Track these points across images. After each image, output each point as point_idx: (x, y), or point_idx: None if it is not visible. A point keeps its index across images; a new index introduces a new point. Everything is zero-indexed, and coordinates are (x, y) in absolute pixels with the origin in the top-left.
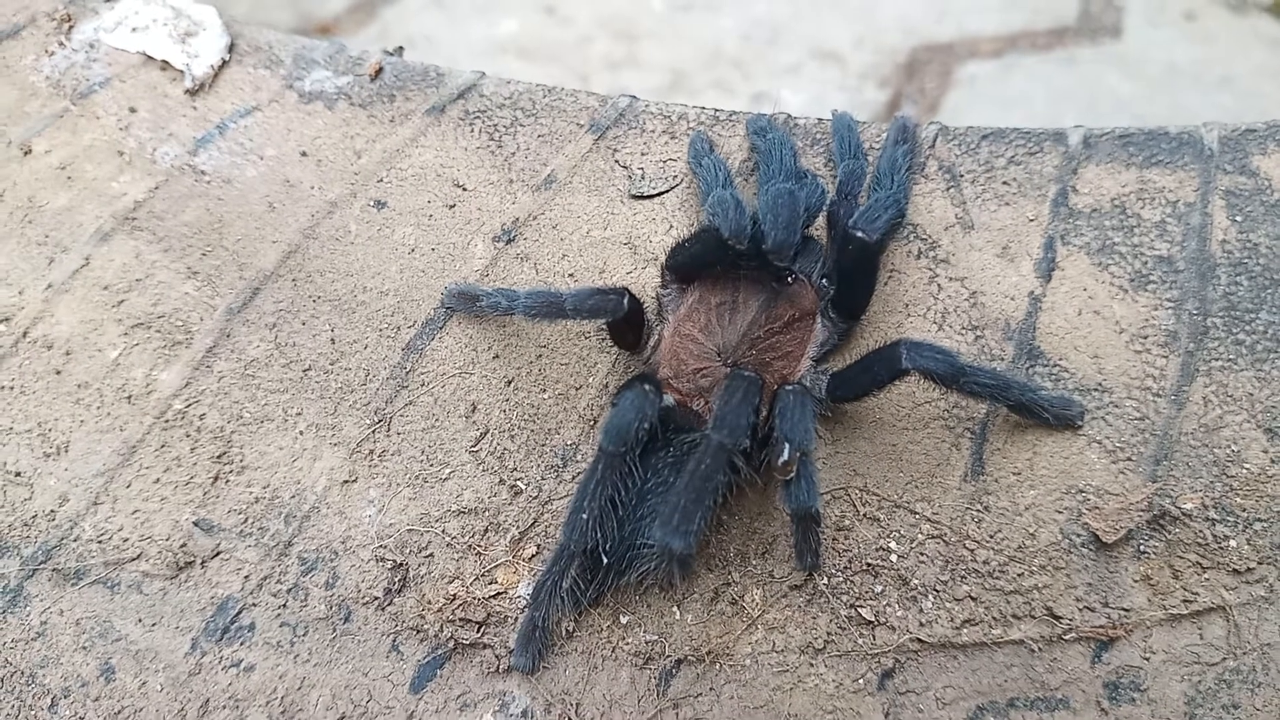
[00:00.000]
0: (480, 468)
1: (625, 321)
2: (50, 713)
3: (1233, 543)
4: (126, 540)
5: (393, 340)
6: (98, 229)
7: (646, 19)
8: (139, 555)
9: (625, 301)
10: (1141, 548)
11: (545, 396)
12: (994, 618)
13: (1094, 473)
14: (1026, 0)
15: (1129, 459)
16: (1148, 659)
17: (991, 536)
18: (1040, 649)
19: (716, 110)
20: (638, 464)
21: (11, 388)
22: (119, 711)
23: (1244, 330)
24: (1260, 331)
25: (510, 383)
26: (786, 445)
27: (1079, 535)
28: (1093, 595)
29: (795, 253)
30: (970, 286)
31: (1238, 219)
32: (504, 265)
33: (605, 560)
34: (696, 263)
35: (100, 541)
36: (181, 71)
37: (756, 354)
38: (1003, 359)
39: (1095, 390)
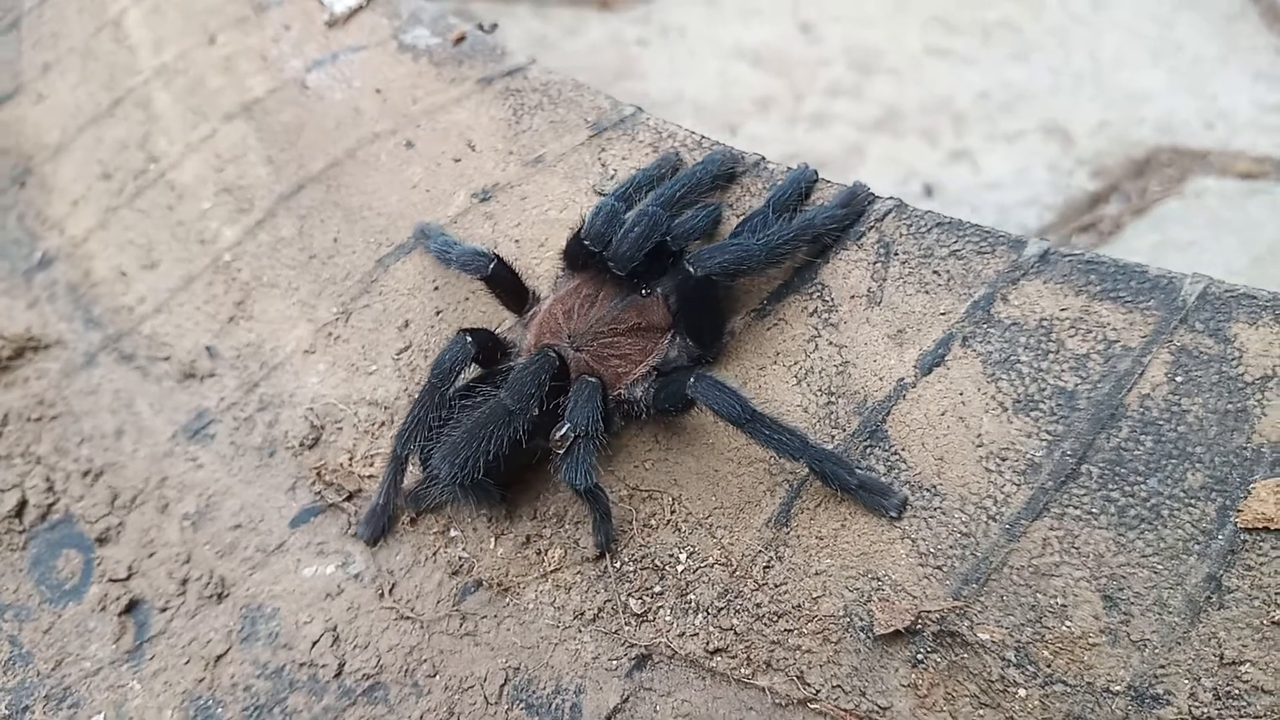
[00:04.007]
0: (396, 373)
1: (495, 284)
2: (78, 447)
3: (1022, 692)
4: (165, 345)
5: (373, 253)
6: (227, 111)
7: (895, 56)
8: (168, 358)
9: (491, 266)
10: (920, 656)
11: None
12: (748, 658)
13: (897, 566)
14: None
15: (938, 568)
16: None
17: (774, 585)
18: (784, 705)
19: (703, 136)
20: (450, 399)
21: (143, 211)
22: (114, 462)
23: (1121, 490)
24: (1140, 498)
25: (439, 313)
26: (567, 425)
27: (862, 619)
28: (853, 679)
29: (663, 270)
30: (846, 356)
31: (1178, 379)
32: (471, 217)
33: (421, 470)
34: (570, 255)
35: (150, 339)
36: (327, 8)
37: (598, 346)
38: (844, 430)
39: (927, 490)
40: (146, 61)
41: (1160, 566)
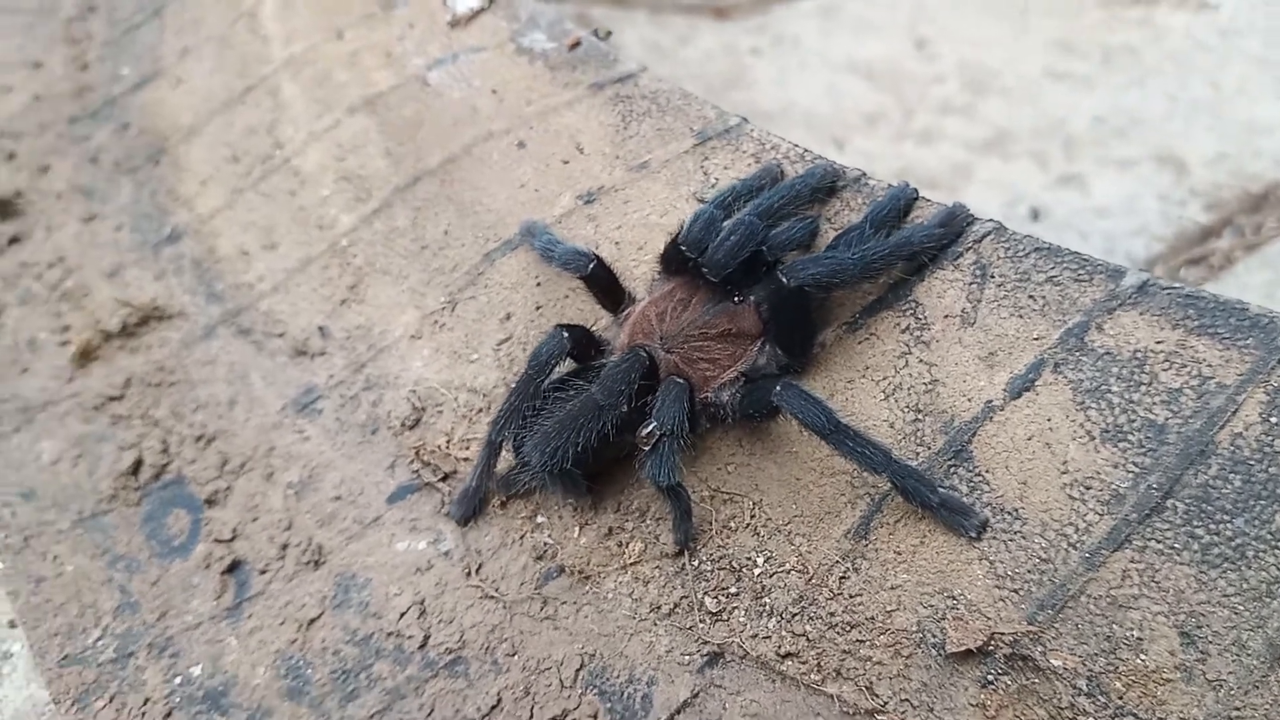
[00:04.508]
0: (496, 363)
1: (594, 283)
2: (193, 413)
3: None
4: (280, 322)
5: (481, 247)
6: (351, 104)
7: (1010, 76)
8: (282, 334)
9: (590, 266)
10: (990, 677)
11: None
12: (818, 665)
13: (973, 587)
14: None
15: (1015, 591)
16: None
17: (850, 596)
18: (851, 714)
19: (805, 150)
20: (545, 390)
21: (267, 195)
22: (226, 430)
23: (1206, 528)
24: (1225, 537)
25: (539, 308)
26: (653, 423)
27: (935, 636)
28: (922, 695)
29: (758, 279)
30: (935, 374)
31: (1272, 419)
32: (575, 218)
33: (514, 456)
34: (666, 259)
35: (267, 315)
36: (449, 8)
37: (688, 349)
38: (929, 448)
39: (1008, 513)
40: (278, 52)
41: (1242, 607)
